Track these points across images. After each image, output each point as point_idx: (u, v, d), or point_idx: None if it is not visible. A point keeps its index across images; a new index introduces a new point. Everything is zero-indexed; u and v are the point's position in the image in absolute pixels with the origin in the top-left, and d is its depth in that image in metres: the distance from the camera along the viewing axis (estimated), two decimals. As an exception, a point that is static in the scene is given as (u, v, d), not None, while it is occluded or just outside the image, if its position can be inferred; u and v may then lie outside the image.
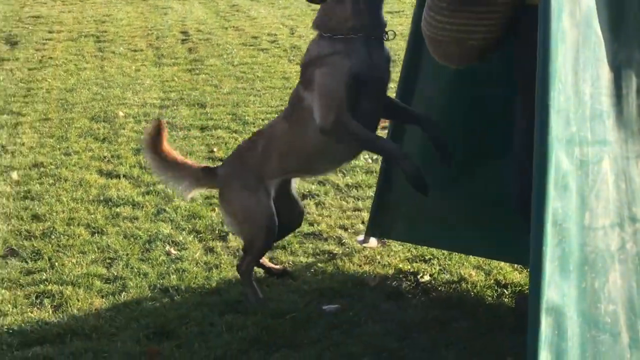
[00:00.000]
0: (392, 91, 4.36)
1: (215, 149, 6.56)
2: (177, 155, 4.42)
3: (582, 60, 3.02)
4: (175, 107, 7.79)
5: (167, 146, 4.36)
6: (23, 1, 14.12)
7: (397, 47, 7.66)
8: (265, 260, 4.54)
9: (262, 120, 7.28)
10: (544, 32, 2.86)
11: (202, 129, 7.13)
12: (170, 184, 4.46)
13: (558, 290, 2.92)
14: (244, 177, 4.21)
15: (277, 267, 4.58)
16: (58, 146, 6.76)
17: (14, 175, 6.10)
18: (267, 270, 4.53)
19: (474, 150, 4.45)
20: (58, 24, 12.08)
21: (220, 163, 6.12)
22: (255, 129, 6.99)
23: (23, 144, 6.82)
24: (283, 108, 7.45)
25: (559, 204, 2.91)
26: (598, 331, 3.10)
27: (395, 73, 4.42)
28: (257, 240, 4.21)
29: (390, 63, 4.01)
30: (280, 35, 11.06)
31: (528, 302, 2.91)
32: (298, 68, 9.01)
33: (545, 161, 2.85)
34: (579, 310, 3.02)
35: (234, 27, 11.73)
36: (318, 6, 3.98)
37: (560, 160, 2.91)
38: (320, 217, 5.28)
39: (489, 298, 4.32)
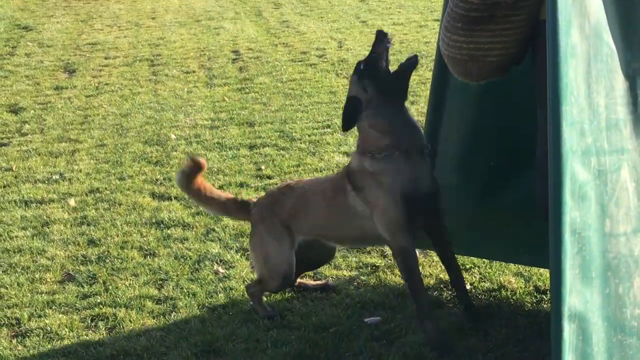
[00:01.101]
0: (423, 101, 4.48)
1: (263, 167, 6.73)
2: (208, 187, 4.69)
3: (595, 73, 3.10)
4: (225, 127, 7.99)
5: (200, 181, 4.64)
6: (80, 28, 14.50)
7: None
8: (302, 281, 4.74)
9: (309, 136, 7.44)
10: (553, 48, 2.95)
11: (251, 147, 7.32)
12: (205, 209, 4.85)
13: (580, 297, 3.01)
14: (270, 223, 4.43)
15: (318, 282, 4.73)
16: (113, 171, 7.00)
17: (71, 202, 6.34)
18: (308, 289, 4.68)
19: (508, 161, 4.53)
20: (114, 50, 12.39)
21: (267, 182, 6.35)
22: (302, 145, 7.19)
23: (80, 171, 7.07)
24: (329, 123, 7.72)
25: (577, 213, 2.99)
26: (625, 335, 3.17)
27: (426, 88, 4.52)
28: (272, 282, 4.43)
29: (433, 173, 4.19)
30: (328, 49, 11.21)
31: (551, 310, 3.00)
32: (345, 82, 9.25)
33: (560, 173, 2.94)
34: (604, 315, 3.10)
35: (283, 43, 11.91)
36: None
37: (577, 172, 2.99)
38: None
39: (528, 305, 4.40)
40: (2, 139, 8.26)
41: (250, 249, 4.63)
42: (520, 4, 3.39)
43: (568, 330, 2.95)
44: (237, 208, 4.63)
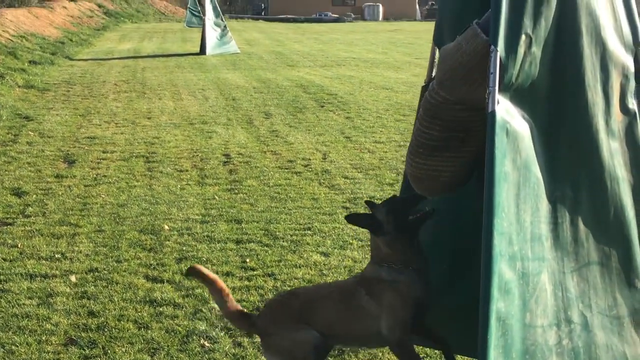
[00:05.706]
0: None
1: (247, 260, 7.49)
2: (230, 297, 4.95)
3: (523, 195, 3.93)
4: (214, 222, 8.77)
5: (223, 287, 4.93)
6: (79, 122, 15.38)
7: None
8: None
9: (291, 236, 8.23)
10: (489, 173, 3.78)
11: (237, 242, 8.09)
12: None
13: (502, 372, 3.77)
14: (281, 322, 4.79)
15: None
16: (110, 254, 7.74)
17: (73, 278, 7.07)
18: None
19: (457, 264, 5.31)
20: (111, 145, 13.23)
21: (251, 274, 7.09)
22: (284, 243, 7.95)
23: (80, 252, 7.80)
24: (310, 226, 8.53)
25: (502, 304, 3.78)
26: (537, 407, 3.92)
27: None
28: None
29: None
30: (313, 159, 12.07)
31: (476, 380, 3.76)
32: (327, 190, 10.13)
33: (489, 271, 3.72)
34: (521, 389, 3.86)
35: (272, 151, 12.78)
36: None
37: (503, 271, 3.79)
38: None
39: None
40: (7, 218, 9.01)
41: (272, 353, 4.80)
42: (469, 139, 4.23)
43: (489, 397, 3.69)
44: (238, 318, 4.93)
